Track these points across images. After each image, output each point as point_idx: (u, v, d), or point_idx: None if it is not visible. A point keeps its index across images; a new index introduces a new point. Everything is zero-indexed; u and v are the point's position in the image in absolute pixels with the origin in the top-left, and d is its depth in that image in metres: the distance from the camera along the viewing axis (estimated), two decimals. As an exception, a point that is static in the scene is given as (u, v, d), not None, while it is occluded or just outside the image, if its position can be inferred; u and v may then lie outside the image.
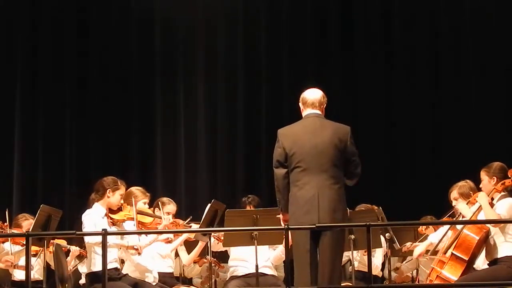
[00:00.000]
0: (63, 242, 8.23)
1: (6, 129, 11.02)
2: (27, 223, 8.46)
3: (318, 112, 6.68)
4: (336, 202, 6.47)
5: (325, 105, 6.74)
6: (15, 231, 8.19)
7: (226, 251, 8.60)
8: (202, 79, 11.30)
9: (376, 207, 8.51)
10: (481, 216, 7.15)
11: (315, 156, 6.49)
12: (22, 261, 8.23)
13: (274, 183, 6.61)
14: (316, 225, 6.35)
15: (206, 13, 11.31)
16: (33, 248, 7.60)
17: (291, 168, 6.54)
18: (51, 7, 11.24)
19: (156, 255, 8.11)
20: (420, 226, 8.46)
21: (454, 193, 7.66)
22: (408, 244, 8.41)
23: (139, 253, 7.58)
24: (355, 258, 8.42)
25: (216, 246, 8.37)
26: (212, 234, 7.90)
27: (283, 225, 6.58)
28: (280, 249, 8.29)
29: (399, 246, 8.31)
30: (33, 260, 8.01)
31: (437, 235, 7.74)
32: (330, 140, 6.52)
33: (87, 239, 7.37)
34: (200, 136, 11.20)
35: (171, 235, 8.12)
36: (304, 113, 6.73)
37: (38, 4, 11.25)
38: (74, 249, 8.33)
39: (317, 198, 6.42)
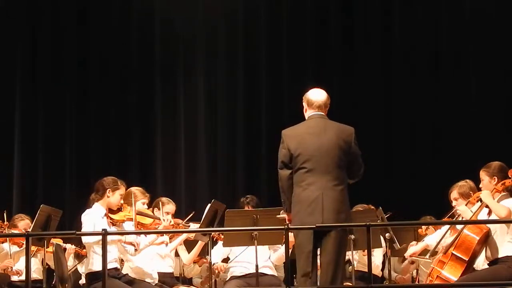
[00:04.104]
0: (60, 241, 8.24)
1: (6, 129, 11.02)
2: (23, 223, 8.49)
3: (322, 113, 6.67)
4: (340, 203, 6.46)
5: (329, 106, 6.73)
6: (12, 231, 8.20)
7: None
8: (202, 79, 11.30)
9: (372, 207, 8.51)
10: (481, 216, 7.14)
11: (320, 157, 6.47)
12: (18, 265, 8.24)
13: (279, 184, 6.57)
14: (316, 225, 6.34)
15: (206, 13, 11.30)
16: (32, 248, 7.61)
17: (295, 169, 6.51)
18: (52, 7, 11.24)
19: (156, 255, 8.10)
20: (421, 227, 8.44)
21: (454, 193, 7.64)
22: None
23: (136, 249, 7.55)
24: (355, 258, 8.41)
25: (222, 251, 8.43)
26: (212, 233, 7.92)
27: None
28: (283, 250, 8.26)
29: (399, 246, 8.30)
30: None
31: (434, 237, 7.73)
32: (334, 141, 6.51)
33: (85, 239, 7.35)
34: (200, 136, 11.20)
35: (167, 239, 8.10)
36: (307, 113, 6.70)
37: (38, 6, 11.26)
38: (70, 247, 8.34)
39: (321, 199, 6.41)
